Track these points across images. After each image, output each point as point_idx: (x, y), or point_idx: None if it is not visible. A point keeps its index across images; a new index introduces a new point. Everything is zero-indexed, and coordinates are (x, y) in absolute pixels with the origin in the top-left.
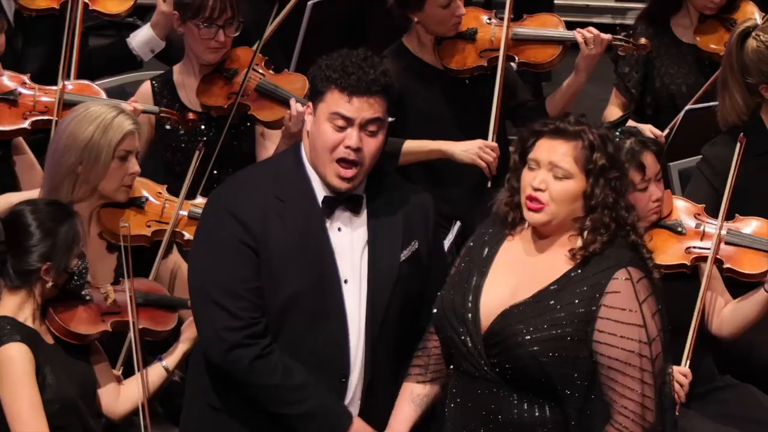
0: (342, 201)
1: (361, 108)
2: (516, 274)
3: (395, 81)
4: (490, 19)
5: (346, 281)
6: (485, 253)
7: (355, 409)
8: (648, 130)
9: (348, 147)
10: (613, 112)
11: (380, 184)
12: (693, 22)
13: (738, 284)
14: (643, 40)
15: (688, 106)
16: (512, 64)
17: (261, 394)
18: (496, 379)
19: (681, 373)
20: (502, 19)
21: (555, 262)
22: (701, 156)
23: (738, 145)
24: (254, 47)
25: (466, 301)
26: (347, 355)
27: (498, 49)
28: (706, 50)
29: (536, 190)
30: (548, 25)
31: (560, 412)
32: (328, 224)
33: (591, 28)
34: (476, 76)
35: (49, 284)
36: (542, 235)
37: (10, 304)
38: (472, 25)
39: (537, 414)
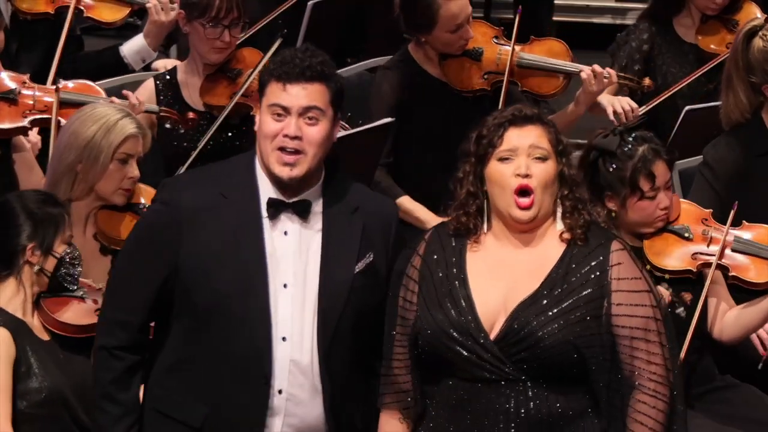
0: (289, 205)
1: (298, 95)
2: (500, 277)
3: (334, 70)
4: (497, 38)
5: (285, 285)
6: (453, 264)
7: (310, 418)
8: (626, 102)
9: (287, 135)
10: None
11: (341, 192)
12: (695, 22)
13: (743, 292)
14: (647, 81)
15: (688, 107)
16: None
17: (94, 381)
18: (518, 378)
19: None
20: (509, 37)
21: (544, 252)
22: (702, 158)
23: (732, 212)
24: (267, 49)
25: (462, 313)
26: (270, 358)
27: (502, 73)
28: (707, 50)
29: (525, 176)
30: (554, 53)
31: (583, 398)
32: (271, 227)
33: (596, 66)
34: (479, 96)
35: (36, 267)
36: (519, 232)
37: None
38: (479, 43)
39: (563, 404)
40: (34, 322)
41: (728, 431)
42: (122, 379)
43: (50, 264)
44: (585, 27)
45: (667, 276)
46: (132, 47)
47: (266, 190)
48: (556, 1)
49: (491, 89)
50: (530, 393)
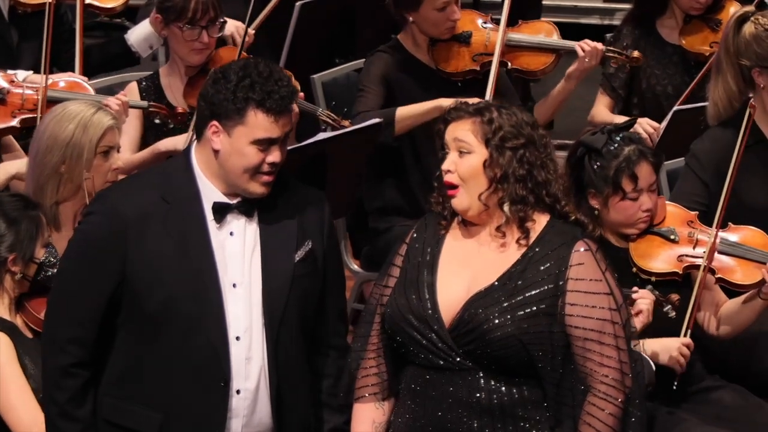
0: (234, 206)
1: (284, 125)
2: (468, 267)
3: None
4: (485, 23)
5: (234, 285)
6: (428, 253)
7: (263, 416)
8: (646, 123)
9: (272, 163)
10: (600, 111)
11: (274, 186)
12: (678, 23)
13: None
14: (635, 53)
15: (676, 107)
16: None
17: (44, 397)
18: (470, 367)
19: (684, 344)
20: (497, 23)
21: (510, 246)
22: (689, 152)
23: (747, 110)
24: (239, 47)
25: (422, 300)
26: (227, 359)
27: (491, 54)
28: (691, 51)
29: (447, 172)
30: (543, 33)
31: (537, 391)
32: (218, 229)
33: (588, 41)
34: (468, 79)
35: (18, 276)
36: (481, 225)
37: None
38: (467, 28)
39: (516, 394)
40: (18, 322)
41: None
42: (78, 396)
43: (32, 270)
44: (573, 27)
45: (653, 278)
46: (139, 35)
47: (209, 194)
48: (544, 2)
49: (481, 70)
50: (482, 382)
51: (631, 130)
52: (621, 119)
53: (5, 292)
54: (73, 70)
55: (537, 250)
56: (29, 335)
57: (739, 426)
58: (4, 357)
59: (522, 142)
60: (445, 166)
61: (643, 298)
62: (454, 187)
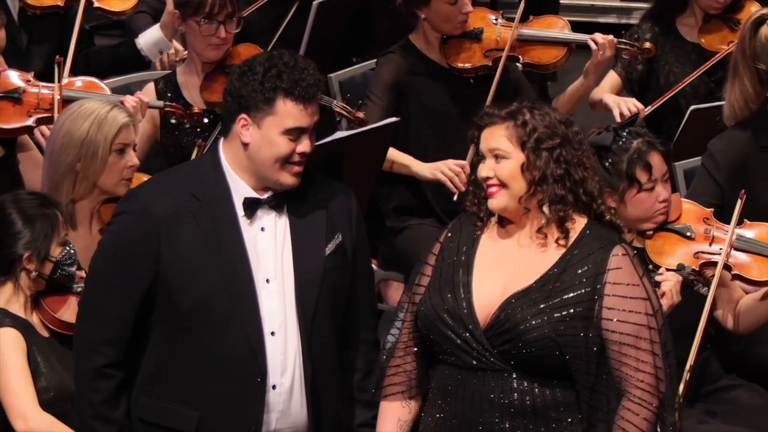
0: (265, 201)
1: (313, 113)
2: (504, 268)
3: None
4: (496, 19)
5: (268, 280)
6: (463, 252)
7: (297, 410)
8: (632, 103)
9: (302, 153)
10: (602, 88)
11: (301, 181)
12: (698, 22)
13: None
14: (647, 44)
15: (693, 107)
16: (518, 64)
17: (77, 400)
18: (503, 368)
19: None
20: (508, 19)
21: (549, 248)
22: (707, 151)
23: (738, 201)
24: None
25: (458, 299)
26: (263, 355)
27: (503, 49)
28: (710, 49)
29: (486, 179)
30: (554, 28)
31: (570, 393)
32: (249, 225)
33: (599, 34)
34: (481, 75)
35: (33, 274)
36: (519, 226)
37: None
38: (478, 24)
39: (549, 396)
40: (34, 320)
41: (733, 431)
42: (113, 398)
43: (47, 268)
44: (590, 26)
45: None
46: (149, 39)
47: (239, 190)
48: (561, 1)
49: (493, 66)
50: (515, 384)
51: (615, 112)
52: (610, 97)
53: (21, 290)
54: (82, 73)
55: (575, 252)
56: (45, 334)
57: (756, 424)
58: (10, 347)
59: (558, 142)
60: (483, 174)
61: (667, 280)
62: (493, 190)
